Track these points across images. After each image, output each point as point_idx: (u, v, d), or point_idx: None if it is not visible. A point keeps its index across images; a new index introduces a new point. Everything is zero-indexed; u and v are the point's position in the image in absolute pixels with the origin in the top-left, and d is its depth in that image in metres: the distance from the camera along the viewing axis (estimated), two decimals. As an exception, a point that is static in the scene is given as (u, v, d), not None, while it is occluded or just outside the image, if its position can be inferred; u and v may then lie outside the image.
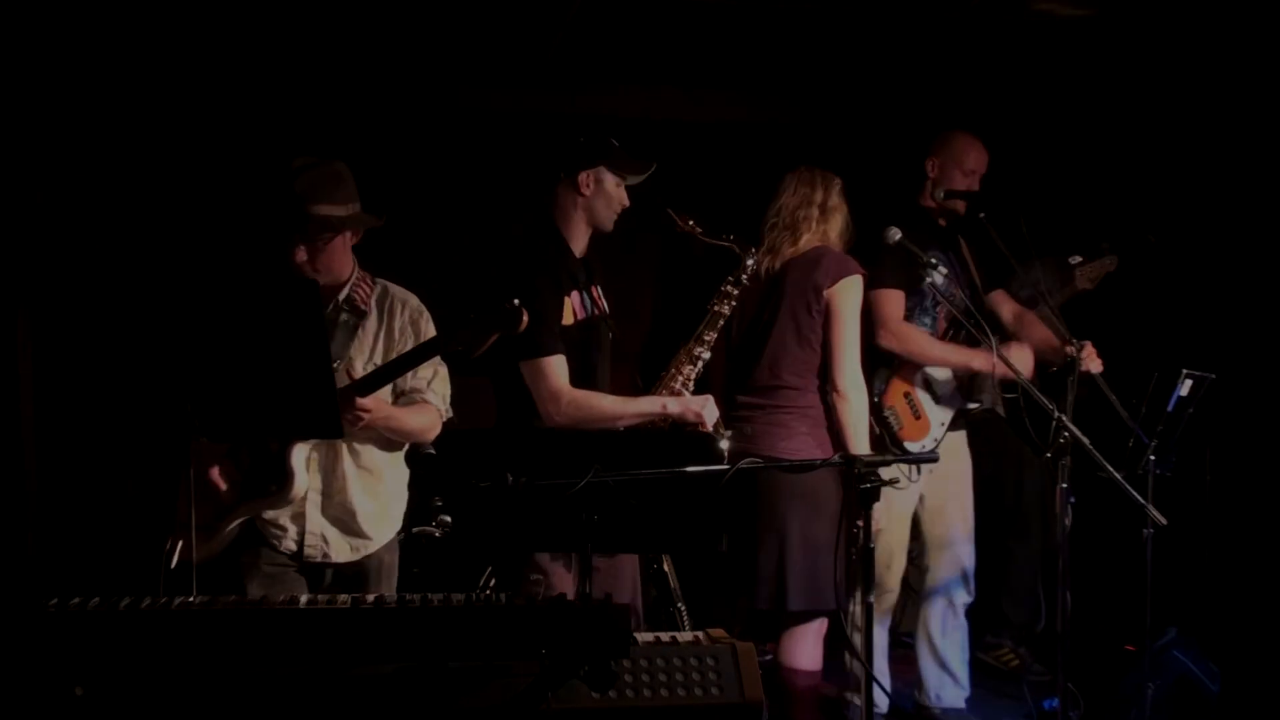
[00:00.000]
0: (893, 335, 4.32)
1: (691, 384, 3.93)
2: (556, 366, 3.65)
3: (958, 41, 4.86)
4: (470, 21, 4.57)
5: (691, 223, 3.99)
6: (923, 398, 4.43)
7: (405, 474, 3.54)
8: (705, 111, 5.33)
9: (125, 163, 4.60)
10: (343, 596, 2.56)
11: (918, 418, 4.41)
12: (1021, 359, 4.31)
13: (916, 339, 4.37)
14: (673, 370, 3.95)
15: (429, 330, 3.44)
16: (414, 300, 3.49)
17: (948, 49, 4.94)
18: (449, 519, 3.25)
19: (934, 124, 4.72)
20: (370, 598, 2.54)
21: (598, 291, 3.87)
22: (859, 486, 3.00)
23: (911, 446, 4.37)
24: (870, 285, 4.18)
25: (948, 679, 4.62)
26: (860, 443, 4.00)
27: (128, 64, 4.55)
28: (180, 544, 3.18)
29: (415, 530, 3.55)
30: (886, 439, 4.34)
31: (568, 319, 3.72)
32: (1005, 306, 4.71)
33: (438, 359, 3.40)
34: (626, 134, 3.89)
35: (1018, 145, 4.97)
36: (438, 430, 3.44)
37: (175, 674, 2.35)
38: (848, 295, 4.03)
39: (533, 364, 3.65)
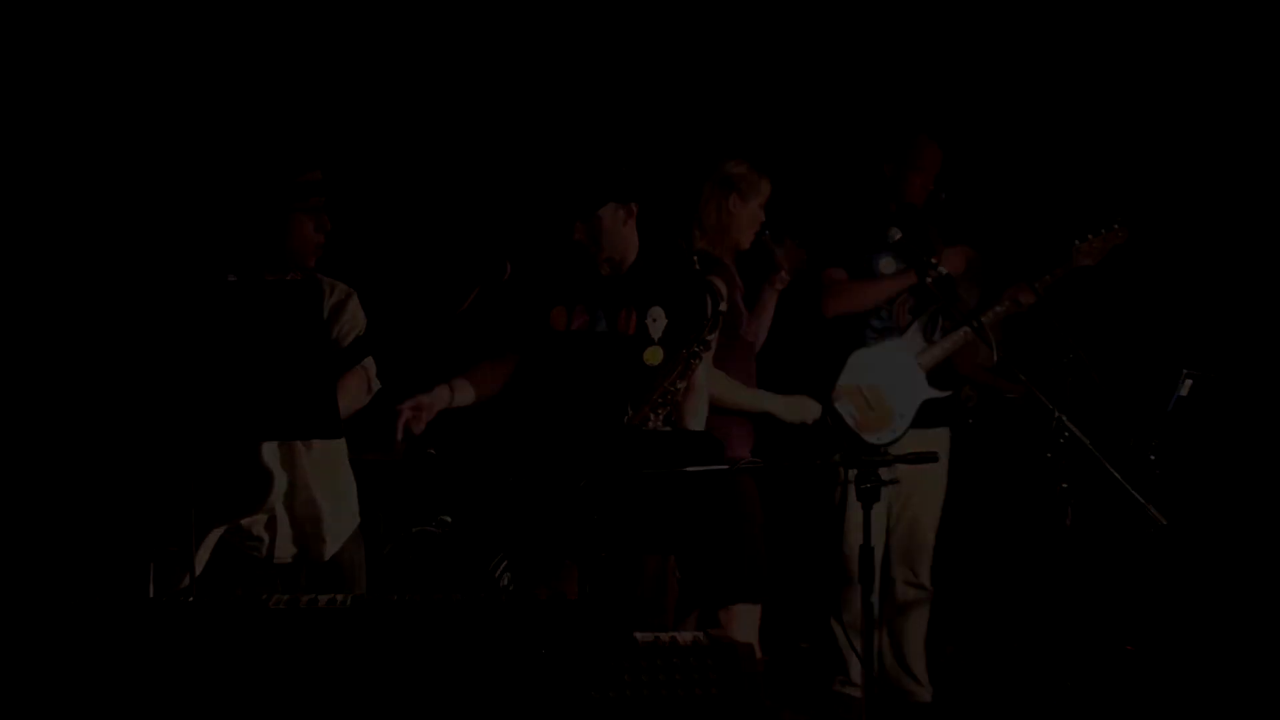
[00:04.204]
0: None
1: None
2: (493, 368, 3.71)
3: (949, 27, 4.89)
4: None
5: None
6: (875, 386, 4.40)
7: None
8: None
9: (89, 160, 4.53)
10: (341, 596, 2.55)
11: (872, 409, 4.39)
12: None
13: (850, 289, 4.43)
14: (644, 411, 3.64)
15: (355, 310, 3.37)
16: (341, 285, 3.41)
17: (938, 37, 4.96)
18: (449, 519, 3.23)
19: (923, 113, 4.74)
20: (369, 597, 2.53)
21: (627, 315, 3.67)
22: (859, 486, 3.00)
23: (869, 437, 4.34)
24: (819, 264, 4.39)
25: (905, 676, 4.53)
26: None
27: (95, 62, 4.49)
28: (154, 569, 2.93)
29: (415, 530, 3.54)
30: (841, 436, 4.32)
31: (558, 325, 3.68)
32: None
33: (356, 311, 3.35)
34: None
35: (1012, 137, 4.98)
36: (364, 402, 3.34)
37: (175, 674, 2.35)
38: None
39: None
